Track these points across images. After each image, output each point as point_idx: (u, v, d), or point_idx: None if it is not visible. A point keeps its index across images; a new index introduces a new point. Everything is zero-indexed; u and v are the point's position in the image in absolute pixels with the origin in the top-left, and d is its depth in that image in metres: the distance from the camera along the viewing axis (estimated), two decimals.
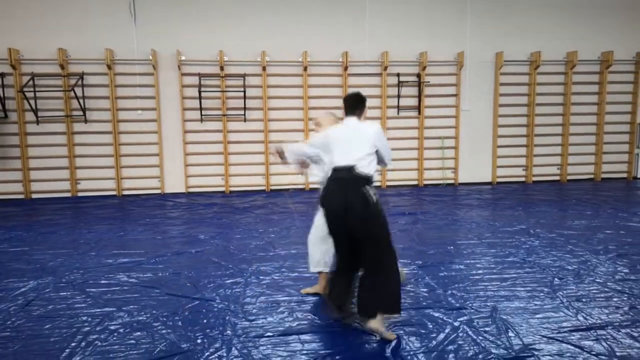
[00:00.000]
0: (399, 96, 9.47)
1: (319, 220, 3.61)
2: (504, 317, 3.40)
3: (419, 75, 9.47)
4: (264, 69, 9.00)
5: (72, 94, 8.42)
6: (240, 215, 7.20)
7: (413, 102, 9.60)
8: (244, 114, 9.03)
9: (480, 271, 4.40)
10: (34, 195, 8.76)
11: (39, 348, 3.02)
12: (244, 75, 8.91)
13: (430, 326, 3.27)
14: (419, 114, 9.61)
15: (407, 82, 9.47)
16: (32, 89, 8.22)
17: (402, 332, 3.19)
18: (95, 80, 8.70)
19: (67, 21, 8.54)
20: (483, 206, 7.74)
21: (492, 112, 9.93)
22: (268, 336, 3.17)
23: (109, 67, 8.55)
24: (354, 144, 3.23)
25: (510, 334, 3.14)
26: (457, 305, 3.62)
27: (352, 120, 3.38)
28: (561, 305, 3.60)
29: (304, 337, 3.16)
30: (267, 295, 3.90)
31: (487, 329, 3.22)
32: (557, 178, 10.25)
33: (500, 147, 10.01)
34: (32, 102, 8.22)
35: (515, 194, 8.80)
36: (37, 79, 8.35)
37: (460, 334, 3.15)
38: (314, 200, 8.23)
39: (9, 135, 8.56)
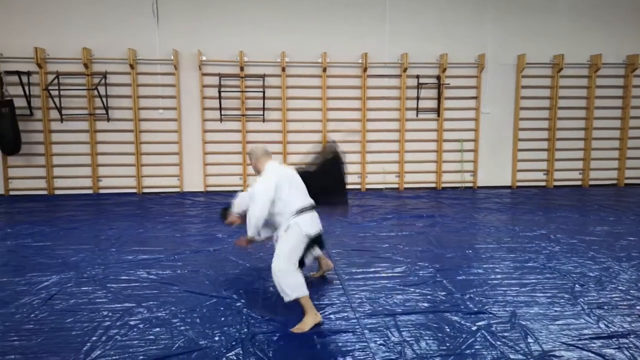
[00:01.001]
0: (418, 98, 9.41)
1: (288, 248, 3.47)
2: (523, 322, 3.36)
3: (438, 77, 9.40)
4: (283, 69, 9.05)
5: (95, 92, 8.58)
6: None
7: (432, 104, 9.54)
8: (263, 115, 9.08)
9: (499, 276, 4.36)
10: (57, 192, 8.93)
11: (62, 341, 3.09)
12: (263, 76, 8.96)
13: (448, 330, 3.25)
14: (439, 116, 9.54)
15: (427, 84, 9.41)
16: (56, 88, 8.40)
17: (419, 335, 3.18)
18: (118, 80, 8.84)
19: (92, 21, 8.69)
20: (502, 210, 7.64)
21: (513, 115, 9.80)
22: (285, 335, 3.19)
23: (132, 67, 8.68)
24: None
25: (530, 339, 3.10)
26: (476, 309, 3.59)
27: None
28: (582, 312, 3.54)
29: (321, 336, 3.17)
30: None
31: (505, 334, 3.19)
32: (579, 183, 10.07)
33: (521, 151, 9.87)
34: (56, 100, 8.39)
35: (535, 199, 8.67)
36: (62, 77, 8.52)
37: (479, 339, 3.12)
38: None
39: (34, 133, 8.74)
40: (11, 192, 8.80)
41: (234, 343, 3.07)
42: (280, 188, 3.50)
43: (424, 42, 9.41)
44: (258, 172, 3.76)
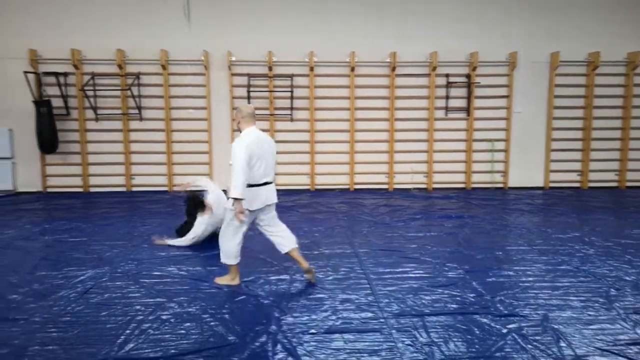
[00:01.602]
0: (447, 97, 9.31)
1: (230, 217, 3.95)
2: (556, 326, 3.28)
3: (468, 76, 9.27)
4: (311, 69, 9.08)
5: (129, 92, 8.81)
6: (285, 213, 7.26)
7: (462, 103, 9.41)
8: (291, 114, 9.14)
9: (530, 278, 4.27)
10: (92, 189, 9.21)
11: (97, 333, 3.19)
12: (291, 76, 9.02)
13: (477, 332, 3.21)
14: (468, 115, 9.40)
15: (457, 82, 9.29)
16: (92, 88, 8.67)
17: (448, 336, 3.15)
18: (150, 80, 9.05)
19: (126, 23, 8.93)
20: (534, 212, 7.48)
21: (546, 114, 9.57)
22: (312, 333, 3.21)
23: (164, 68, 8.87)
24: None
25: (562, 344, 3.04)
26: (506, 312, 3.53)
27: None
28: (617, 317, 3.44)
29: (347, 335, 3.17)
30: (311, 293, 3.94)
31: (537, 337, 3.13)
32: (616, 184, 9.76)
33: (554, 151, 9.63)
34: (91, 100, 8.67)
35: (569, 200, 8.45)
36: (97, 78, 8.79)
37: (509, 342, 3.07)
38: (358, 201, 8.24)
39: (70, 132, 9.03)
40: (49, 189, 9.12)
41: (262, 340, 3.11)
42: (250, 157, 3.81)
43: (453, 40, 9.28)
44: (239, 130, 4.14)
